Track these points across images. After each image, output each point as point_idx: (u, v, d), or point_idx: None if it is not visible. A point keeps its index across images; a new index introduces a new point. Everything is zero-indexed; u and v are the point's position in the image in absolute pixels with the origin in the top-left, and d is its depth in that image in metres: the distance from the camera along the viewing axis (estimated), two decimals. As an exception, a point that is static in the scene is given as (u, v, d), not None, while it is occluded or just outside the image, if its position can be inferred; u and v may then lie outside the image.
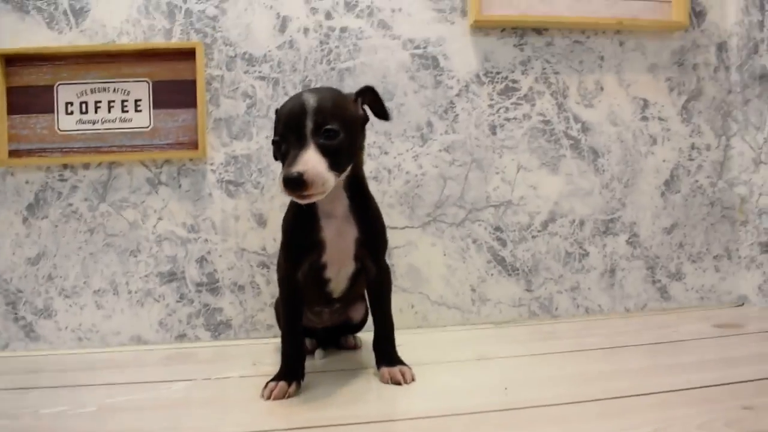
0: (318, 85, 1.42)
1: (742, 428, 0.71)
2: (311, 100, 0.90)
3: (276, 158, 0.96)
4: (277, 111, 0.97)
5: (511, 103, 1.48)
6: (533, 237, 1.48)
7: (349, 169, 0.96)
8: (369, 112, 1.03)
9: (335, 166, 0.89)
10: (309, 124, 0.88)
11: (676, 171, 1.54)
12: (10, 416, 0.88)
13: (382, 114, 1.03)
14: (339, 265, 1.03)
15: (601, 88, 1.51)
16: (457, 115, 1.46)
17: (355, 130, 0.96)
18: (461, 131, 1.46)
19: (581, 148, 1.50)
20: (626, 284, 1.51)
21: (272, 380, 0.94)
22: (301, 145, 0.87)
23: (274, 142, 0.94)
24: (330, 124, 0.89)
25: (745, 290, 1.55)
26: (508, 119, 1.48)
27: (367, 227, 1.02)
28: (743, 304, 1.54)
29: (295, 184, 0.83)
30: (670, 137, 1.54)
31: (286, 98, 1.40)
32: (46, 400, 0.96)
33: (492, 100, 1.47)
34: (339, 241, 1.00)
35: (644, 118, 1.53)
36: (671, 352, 1.11)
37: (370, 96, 1.01)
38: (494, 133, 1.47)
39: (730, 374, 0.93)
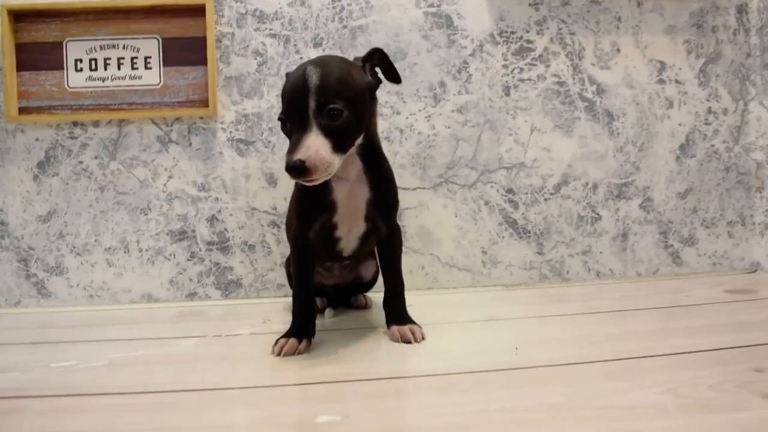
0: (329, 45, 1.39)
1: (753, 390, 0.71)
2: (313, 77, 0.86)
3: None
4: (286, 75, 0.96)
5: (526, 64, 1.45)
6: (545, 200, 1.47)
7: (361, 137, 0.95)
8: (381, 74, 1.01)
9: (340, 146, 0.87)
10: (311, 104, 0.85)
11: (691, 135, 1.52)
12: (22, 369, 0.89)
13: (393, 77, 1.01)
14: (350, 225, 1.02)
15: (618, 50, 1.48)
16: (470, 75, 1.44)
17: (363, 104, 0.93)
18: (474, 92, 1.44)
19: (596, 110, 1.48)
20: (638, 249, 1.50)
21: (282, 337, 0.95)
22: (303, 128, 0.85)
23: (280, 119, 0.92)
24: (333, 103, 0.85)
25: (758, 257, 1.54)
26: (522, 80, 1.45)
27: (379, 189, 1.01)
28: (756, 270, 1.53)
29: (297, 171, 0.83)
30: (687, 101, 1.51)
31: (297, 56, 1.39)
32: (57, 354, 0.97)
33: (506, 60, 1.45)
34: (350, 202, 0.99)
35: (661, 81, 1.50)
36: (682, 316, 1.11)
37: (378, 58, 0.98)
38: (508, 94, 1.45)
39: (742, 338, 0.93)
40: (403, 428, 0.64)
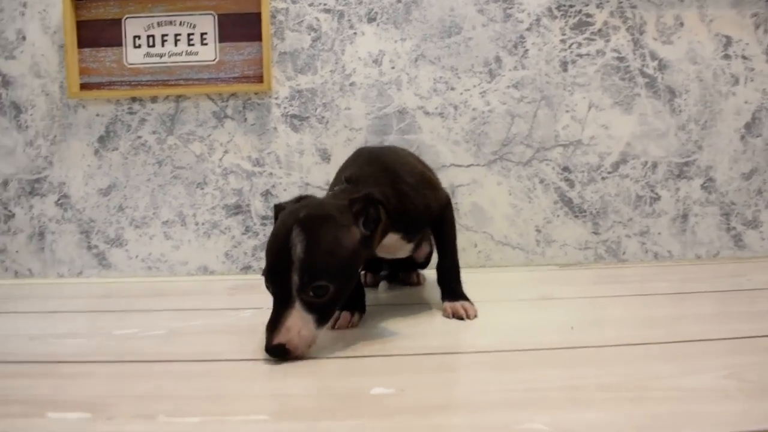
0: (383, 20, 1.38)
1: (820, 376, 0.68)
2: (298, 248, 0.77)
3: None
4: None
5: (584, 39, 1.42)
6: (603, 178, 1.43)
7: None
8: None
9: (324, 319, 0.79)
10: (294, 280, 0.76)
11: (758, 113, 1.46)
12: (85, 336, 0.92)
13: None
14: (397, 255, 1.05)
15: (681, 24, 1.43)
16: (527, 50, 1.41)
17: (352, 270, 0.84)
18: (531, 67, 1.41)
19: (657, 86, 1.43)
20: (699, 230, 1.46)
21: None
22: (285, 303, 0.77)
23: (263, 275, 0.82)
24: (319, 280, 0.76)
25: (826, 240, 1.48)
26: (580, 55, 1.42)
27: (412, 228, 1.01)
28: (823, 254, 1.47)
29: (277, 355, 0.76)
30: (754, 77, 1.45)
31: (351, 32, 1.38)
32: (118, 323, 1.00)
33: (564, 35, 1.41)
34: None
35: (726, 57, 1.44)
36: (744, 300, 1.07)
37: (373, 211, 0.85)
38: (565, 70, 1.42)
39: (807, 323, 0.90)
40: (457, 402, 0.64)
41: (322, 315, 0.78)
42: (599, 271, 1.36)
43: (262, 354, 0.79)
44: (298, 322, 0.76)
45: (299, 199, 0.90)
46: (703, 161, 1.45)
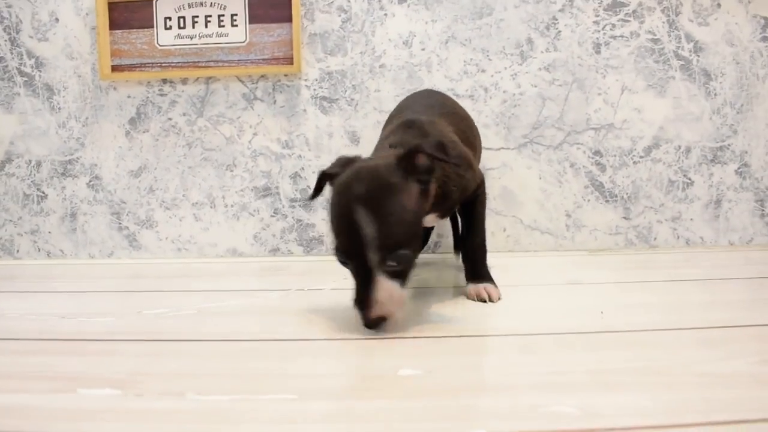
0: (414, 1, 1.37)
1: None
2: (369, 227, 0.76)
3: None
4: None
5: (618, 20, 1.39)
6: (635, 163, 1.41)
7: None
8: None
9: (407, 278, 0.81)
10: (372, 258, 0.77)
11: (796, 97, 1.42)
12: (115, 315, 0.93)
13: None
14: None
15: (718, 5, 1.40)
16: (559, 31, 1.39)
17: (420, 223, 0.85)
18: (563, 49, 1.39)
19: (692, 69, 1.40)
20: (732, 217, 1.43)
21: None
22: (368, 278, 0.78)
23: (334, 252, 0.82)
24: (396, 250, 0.77)
25: None
26: (614, 37, 1.39)
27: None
28: None
29: (377, 327, 0.79)
30: (793, 60, 1.42)
31: (382, 13, 1.38)
32: (148, 303, 1.00)
33: (598, 16, 1.39)
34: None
35: (764, 39, 1.41)
36: (778, 287, 1.05)
37: (423, 161, 0.83)
38: (598, 52, 1.39)
39: None
40: (485, 384, 0.64)
41: (404, 276, 0.80)
42: (630, 257, 1.34)
43: (291, 335, 0.79)
44: (387, 293, 0.77)
45: (345, 163, 0.87)
46: (738, 146, 1.42)
